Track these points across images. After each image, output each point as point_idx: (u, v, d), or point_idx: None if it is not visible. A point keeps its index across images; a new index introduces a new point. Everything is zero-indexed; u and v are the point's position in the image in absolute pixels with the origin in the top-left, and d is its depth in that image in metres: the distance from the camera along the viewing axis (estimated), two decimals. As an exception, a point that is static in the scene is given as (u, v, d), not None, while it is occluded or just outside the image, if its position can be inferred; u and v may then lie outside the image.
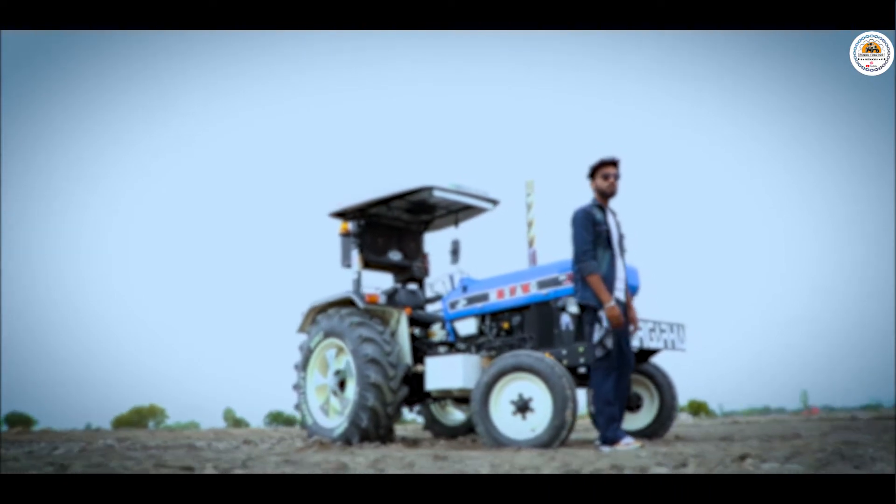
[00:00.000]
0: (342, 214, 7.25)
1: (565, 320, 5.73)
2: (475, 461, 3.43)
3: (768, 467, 2.38)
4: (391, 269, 7.79)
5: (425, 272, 7.93)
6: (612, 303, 5.00)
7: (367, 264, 7.41)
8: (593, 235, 5.16)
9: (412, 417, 13.21)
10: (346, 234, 7.21)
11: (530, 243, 6.84)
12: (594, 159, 5.31)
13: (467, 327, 6.46)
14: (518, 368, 5.31)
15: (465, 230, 7.58)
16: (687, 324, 5.84)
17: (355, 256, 7.16)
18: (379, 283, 7.66)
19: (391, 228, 7.73)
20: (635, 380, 6.31)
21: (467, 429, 7.67)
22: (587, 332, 5.38)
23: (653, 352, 5.91)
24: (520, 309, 6.12)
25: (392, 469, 3.11)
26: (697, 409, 37.09)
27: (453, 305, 6.59)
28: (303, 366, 6.97)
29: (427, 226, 7.95)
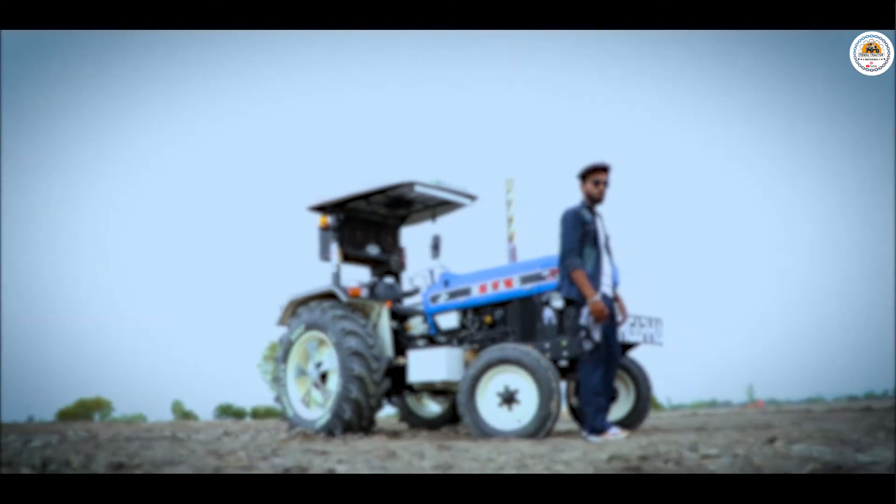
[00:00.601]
0: (322, 208, 7.29)
1: (548, 315, 5.88)
2: (504, 457, 3.43)
3: (798, 449, 2.50)
4: (369, 263, 7.87)
5: (402, 266, 8.03)
6: (597, 297, 5.17)
7: (346, 258, 7.48)
8: (581, 234, 5.32)
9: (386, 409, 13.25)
10: (325, 228, 7.26)
11: (510, 239, 7.00)
12: (579, 160, 5.48)
13: (449, 321, 6.59)
14: (504, 361, 5.45)
15: (444, 225, 7.70)
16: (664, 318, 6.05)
17: (334, 250, 7.21)
18: (356, 276, 7.75)
19: (369, 223, 7.80)
20: (611, 372, 6.50)
21: (444, 420, 7.79)
22: (571, 326, 5.57)
23: (631, 345, 6.10)
24: (502, 303, 6.26)
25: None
26: (646, 401, 37.80)
27: (434, 299, 6.70)
28: (283, 358, 7.02)
29: (404, 220, 8.04)
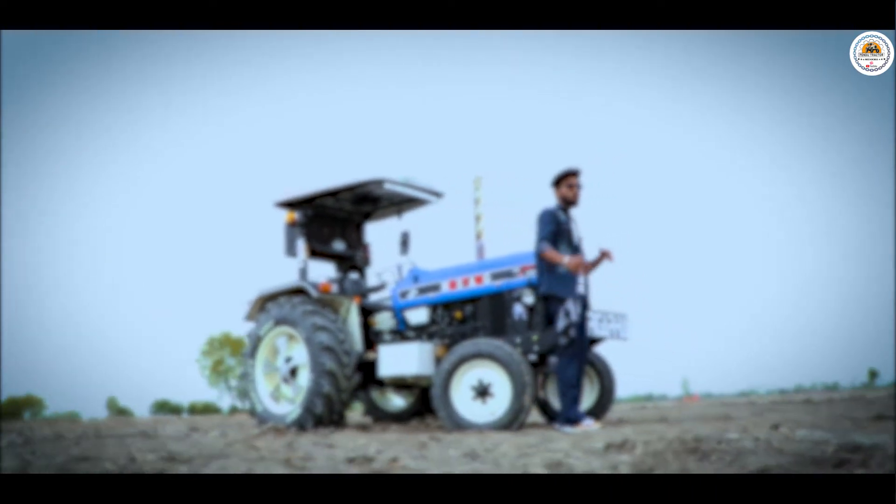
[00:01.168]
0: (290, 204, 7.33)
1: (518, 311, 6.05)
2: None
3: (803, 434, 2.68)
4: (335, 259, 7.93)
5: (367, 262, 8.12)
6: (568, 258, 5.42)
7: (313, 253, 7.54)
8: (556, 230, 5.54)
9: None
10: (292, 224, 7.30)
11: (478, 236, 7.15)
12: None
13: (418, 316, 6.71)
14: (478, 355, 5.62)
15: (410, 222, 7.80)
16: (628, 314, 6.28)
17: (301, 246, 7.26)
18: (323, 272, 7.81)
19: (335, 219, 7.87)
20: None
21: (411, 414, 7.90)
22: (540, 322, 5.77)
23: (597, 340, 6.32)
24: (472, 299, 6.41)
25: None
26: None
27: (404, 295, 6.82)
28: (251, 353, 7.04)
29: (369, 216, 8.13)
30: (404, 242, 7.30)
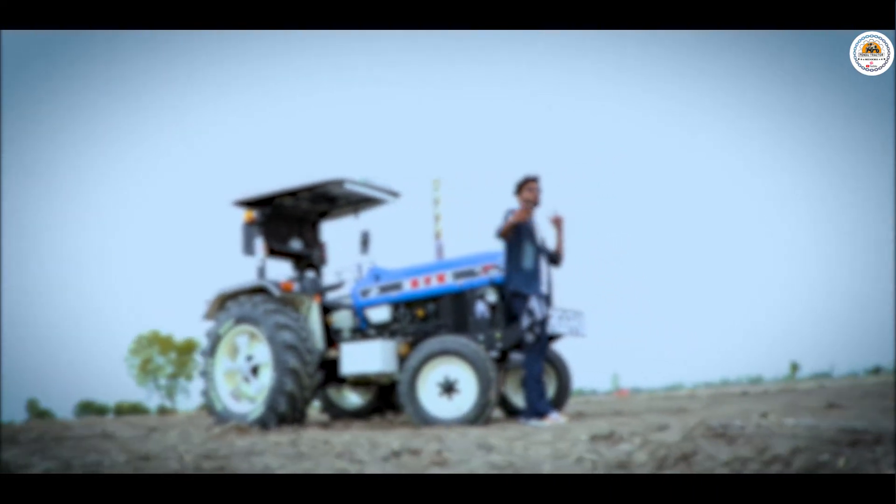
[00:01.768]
0: (249, 203, 7.34)
1: (480, 309, 6.22)
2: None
3: (792, 422, 2.87)
4: (292, 258, 7.97)
5: (323, 261, 8.18)
6: (515, 213, 5.74)
7: (272, 252, 7.56)
8: (521, 231, 5.74)
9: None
10: (251, 223, 7.31)
11: (437, 236, 7.29)
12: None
13: (380, 314, 6.81)
14: (445, 352, 5.78)
15: (368, 221, 7.89)
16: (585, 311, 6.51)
17: (260, 245, 7.29)
18: (280, 271, 7.84)
19: (292, 218, 7.91)
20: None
21: (370, 411, 7.99)
22: (502, 319, 5.96)
23: (555, 337, 6.54)
24: (434, 298, 6.55)
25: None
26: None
27: (365, 293, 6.91)
28: (210, 352, 7.02)
29: (325, 215, 8.18)
30: (364, 242, 7.38)
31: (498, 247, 6.18)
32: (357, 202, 7.80)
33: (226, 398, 6.93)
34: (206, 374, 7.04)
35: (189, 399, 53.09)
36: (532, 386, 5.62)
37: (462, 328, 6.31)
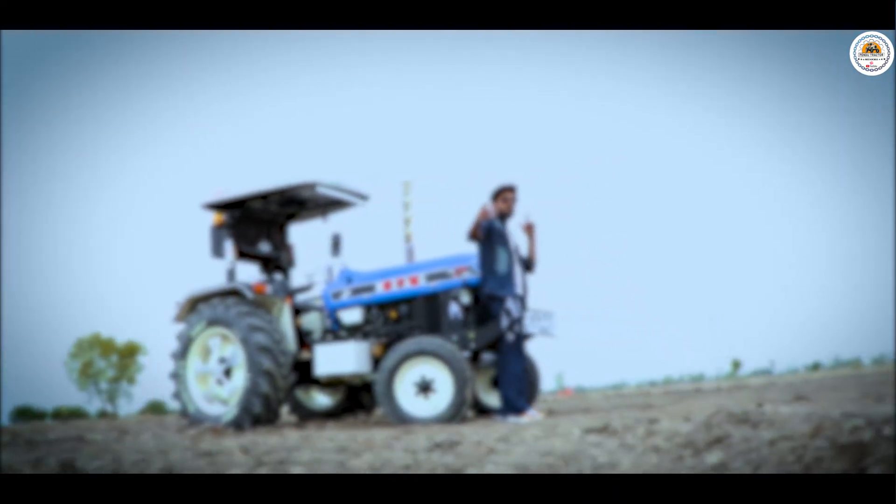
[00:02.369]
0: (219, 206, 7.36)
1: (454, 310, 6.38)
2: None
3: (787, 410, 3.04)
4: (261, 260, 8.01)
5: (291, 263, 8.23)
6: (481, 211, 5.94)
7: (241, 255, 7.59)
8: (494, 235, 5.92)
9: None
10: (220, 226, 7.34)
11: (407, 239, 7.43)
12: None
13: (352, 316, 6.92)
14: (421, 353, 5.94)
15: (338, 224, 7.98)
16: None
17: (230, 247, 7.32)
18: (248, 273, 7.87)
19: (261, 220, 7.95)
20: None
21: (341, 411, 8.07)
22: (473, 320, 6.14)
23: (526, 337, 6.73)
24: (407, 300, 6.69)
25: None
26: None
27: (336, 296, 7.01)
28: (181, 354, 7.04)
29: (292, 217, 8.24)
30: (336, 244, 7.47)
31: (470, 249, 6.37)
32: (326, 205, 7.88)
33: (198, 400, 6.96)
34: (178, 377, 7.05)
35: (131, 403, 52.13)
36: (512, 383, 5.81)
37: (435, 329, 6.46)
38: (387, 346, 6.57)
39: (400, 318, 6.74)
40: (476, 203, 6.23)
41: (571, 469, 2.49)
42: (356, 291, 6.91)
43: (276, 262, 8.09)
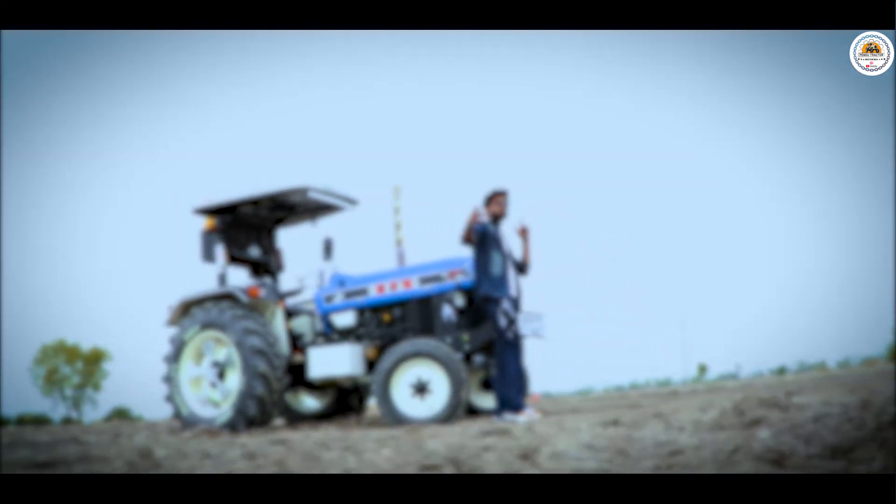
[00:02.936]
0: (211, 211, 7.43)
1: (447, 312, 6.51)
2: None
3: (800, 400, 3.15)
4: (251, 265, 8.08)
5: (280, 267, 8.31)
6: (469, 217, 6.06)
7: (232, 259, 7.66)
8: (488, 239, 6.08)
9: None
10: (211, 231, 7.41)
11: (398, 243, 7.55)
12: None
13: (345, 320, 7.02)
14: (417, 355, 6.07)
15: (327, 228, 8.09)
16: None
17: (221, 252, 7.39)
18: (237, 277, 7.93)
19: (250, 225, 8.02)
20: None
21: (332, 413, 8.15)
22: (466, 322, 6.29)
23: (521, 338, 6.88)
24: (401, 303, 6.81)
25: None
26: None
27: (329, 299, 7.11)
28: (174, 357, 7.08)
29: (281, 222, 8.32)
30: (328, 249, 7.57)
31: (463, 253, 6.51)
32: (315, 209, 7.98)
33: (192, 403, 7.01)
34: (171, 380, 7.09)
35: (96, 409, 51.36)
36: (510, 382, 5.95)
37: (429, 331, 6.59)
38: (381, 349, 6.69)
39: (393, 321, 6.86)
40: (466, 206, 6.38)
41: (634, 450, 2.57)
42: (349, 295, 7.02)
43: (266, 267, 8.16)
